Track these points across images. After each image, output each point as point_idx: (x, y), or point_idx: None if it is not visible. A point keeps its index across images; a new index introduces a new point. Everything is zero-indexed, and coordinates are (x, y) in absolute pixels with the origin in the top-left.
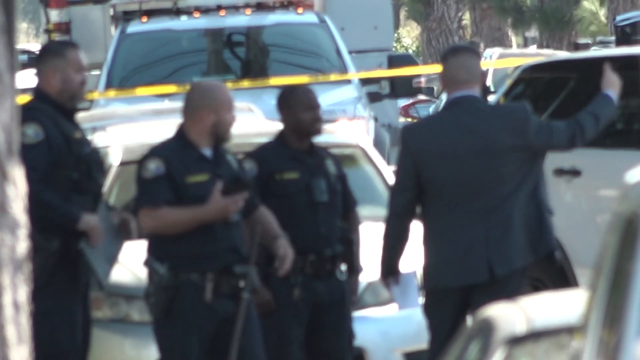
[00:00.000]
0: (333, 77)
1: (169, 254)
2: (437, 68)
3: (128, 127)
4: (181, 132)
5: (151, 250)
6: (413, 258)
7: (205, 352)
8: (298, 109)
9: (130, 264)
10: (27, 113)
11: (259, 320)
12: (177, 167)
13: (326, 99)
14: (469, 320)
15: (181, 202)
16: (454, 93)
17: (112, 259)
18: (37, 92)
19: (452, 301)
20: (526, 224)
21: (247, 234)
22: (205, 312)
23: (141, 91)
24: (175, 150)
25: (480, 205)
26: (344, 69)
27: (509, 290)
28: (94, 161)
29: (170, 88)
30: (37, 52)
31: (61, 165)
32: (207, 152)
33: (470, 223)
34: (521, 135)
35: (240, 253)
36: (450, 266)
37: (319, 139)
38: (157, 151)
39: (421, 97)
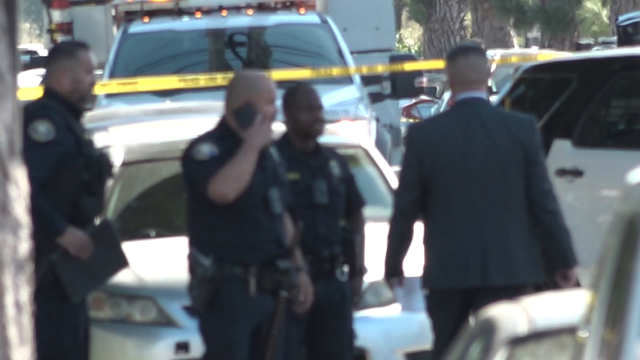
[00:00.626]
0: (334, 71)
1: (213, 246)
2: (438, 64)
3: (130, 127)
4: (223, 122)
5: (194, 242)
6: (419, 260)
7: (251, 347)
8: (298, 109)
9: (133, 264)
10: (42, 110)
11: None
12: (226, 155)
13: (328, 99)
14: (472, 321)
15: None
16: (464, 93)
17: (96, 279)
18: (47, 91)
19: (454, 302)
20: (530, 241)
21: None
22: (249, 306)
23: (143, 82)
24: (219, 140)
25: (482, 209)
26: (345, 70)
27: (508, 297)
28: (105, 163)
29: (172, 80)
30: (48, 52)
31: (71, 166)
32: None
33: (469, 226)
34: (525, 144)
35: (283, 246)
36: (448, 268)
37: (321, 140)
38: (204, 138)
39: (423, 97)
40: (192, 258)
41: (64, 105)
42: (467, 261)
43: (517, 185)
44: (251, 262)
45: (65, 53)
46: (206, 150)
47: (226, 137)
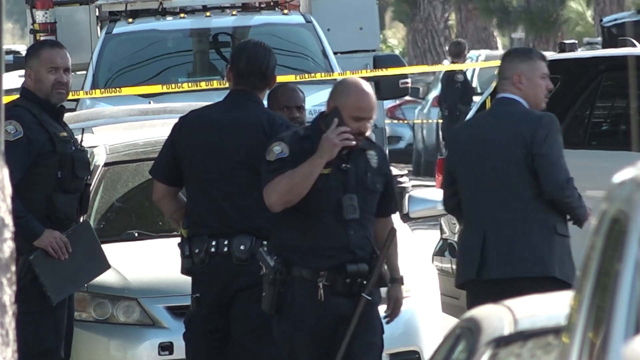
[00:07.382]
0: (319, 76)
1: (280, 247)
2: (422, 68)
3: (113, 127)
4: (317, 121)
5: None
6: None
7: (320, 353)
8: (275, 107)
9: (116, 264)
10: (9, 111)
11: (380, 326)
12: (303, 155)
13: (312, 99)
14: (456, 320)
15: None
16: (503, 94)
17: (76, 281)
18: (23, 91)
19: (486, 295)
20: (539, 237)
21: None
22: (318, 310)
23: (127, 91)
24: (302, 139)
25: (483, 207)
26: (329, 70)
27: (508, 290)
28: (78, 160)
29: (156, 88)
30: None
31: (44, 163)
32: None
33: (475, 224)
34: (526, 138)
35: (355, 253)
36: (461, 263)
37: None
38: (283, 137)
39: (407, 98)
40: (260, 257)
41: (38, 104)
42: (469, 256)
43: (522, 182)
44: (319, 267)
45: (31, 53)
46: (277, 150)
47: (310, 136)
